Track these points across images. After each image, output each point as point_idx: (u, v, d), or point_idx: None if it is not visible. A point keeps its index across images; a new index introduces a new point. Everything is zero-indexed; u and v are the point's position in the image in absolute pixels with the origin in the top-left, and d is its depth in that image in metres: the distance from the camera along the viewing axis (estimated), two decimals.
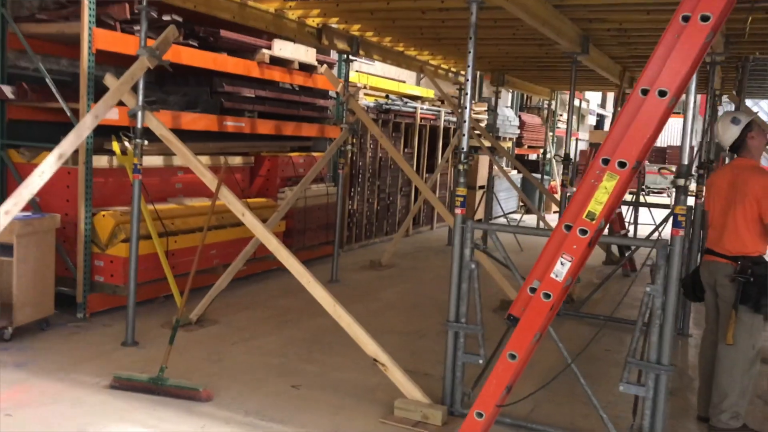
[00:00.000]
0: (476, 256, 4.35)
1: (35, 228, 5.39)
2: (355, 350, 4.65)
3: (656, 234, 7.76)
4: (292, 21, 7.15)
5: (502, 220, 13.91)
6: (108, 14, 6.26)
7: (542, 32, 5.85)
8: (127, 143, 5.96)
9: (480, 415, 3.44)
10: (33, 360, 4.96)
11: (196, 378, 4.71)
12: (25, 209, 5.35)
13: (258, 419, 4.21)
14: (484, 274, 4.98)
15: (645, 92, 2.99)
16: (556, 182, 18.51)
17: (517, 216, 15.05)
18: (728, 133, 4.35)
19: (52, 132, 6.00)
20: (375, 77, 11.86)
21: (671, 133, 35.59)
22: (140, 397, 4.41)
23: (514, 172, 15.95)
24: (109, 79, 5.17)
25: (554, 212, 16.48)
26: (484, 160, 14.86)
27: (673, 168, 29.84)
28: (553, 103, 16.67)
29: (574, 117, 26.09)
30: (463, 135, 4.33)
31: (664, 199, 23.59)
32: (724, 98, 10.89)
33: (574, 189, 8.43)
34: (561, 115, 21.53)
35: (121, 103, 5.33)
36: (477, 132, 13.88)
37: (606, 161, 3.02)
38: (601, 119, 31.83)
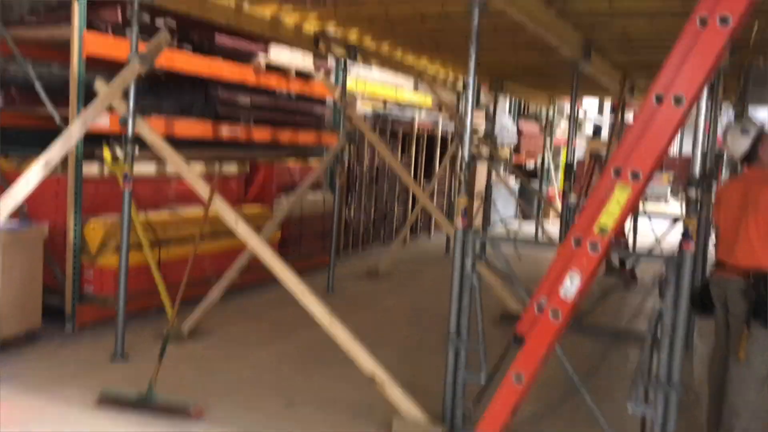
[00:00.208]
0: (477, 268, 4.19)
1: (21, 238, 5.22)
2: (351, 365, 4.48)
3: (659, 245, 7.64)
4: (288, 26, 7.00)
5: (501, 229, 13.74)
6: (100, 18, 6.12)
7: (545, 39, 5.72)
8: (118, 150, 5.79)
9: None
10: (17, 375, 4.78)
11: (186, 394, 4.54)
12: (12, 218, 5.21)
13: None
14: (483, 284, 4.83)
15: (659, 99, 2.85)
16: (554, 189, 18.41)
17: (515, 224, 14.89)
18: (738, 144, 4.20)
19: (43, 139, 5.82)
20: (372, 84, 11.72)
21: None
22: (128, 414, 4.25)
23: (512, 180, 15.83)
24: (99, 85, 5.02)
25: (553, 220, 16.34)
26: (482, 168, 14.72)
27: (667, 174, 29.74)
28: (552, 110, 16.54)
29: (568, 125, 26.04)
30: (465, 143, 4.17)
31: (662, 206, 23.51)
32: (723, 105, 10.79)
33: (575, 196, 8.35)
34: (559, 123, 21.44)
35: (113, 110, 5.18)
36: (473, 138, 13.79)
37: (618, 172, 2.87)
38: (599, 127, 31.73)
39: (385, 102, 11.58)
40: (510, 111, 19.05)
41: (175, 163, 5.05)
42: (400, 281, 8.92)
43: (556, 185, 18.56)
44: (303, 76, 8.48)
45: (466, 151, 4.17)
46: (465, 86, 11.36)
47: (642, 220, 10.73)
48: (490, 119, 14.65)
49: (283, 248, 8.32)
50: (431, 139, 12.66)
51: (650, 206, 15.01)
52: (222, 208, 4.87)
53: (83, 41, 5.62)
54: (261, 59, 7.66)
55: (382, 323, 6.84)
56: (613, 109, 33.95)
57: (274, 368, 5.31)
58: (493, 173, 11.95)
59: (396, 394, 4.26)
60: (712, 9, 2.73)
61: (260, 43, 7.70)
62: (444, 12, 5.99)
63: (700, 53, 2.74)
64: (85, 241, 5.89)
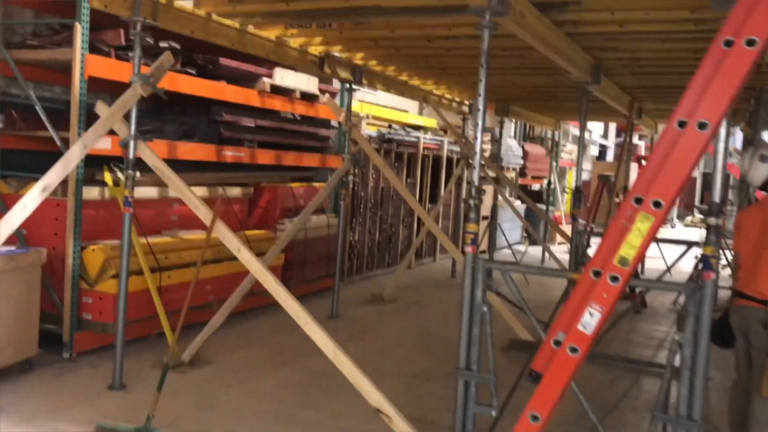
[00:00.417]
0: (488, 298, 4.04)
1: (19, 263, 5.09)
2: (355, 395, 4.32)
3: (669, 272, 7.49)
4: (293, 49, 6.93)
5: (507, 252, 13.59)
6: (102, 40, 6.05)
7: (554, 61, 5.62)
8: (119, 174, 5.70)
9: None
10: (12, 405, 4.63)
11: (186, 427, 4.39)
12: (10, 243, 5.09)
13: None
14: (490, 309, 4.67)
15: (682, 125, 2.72)
16: (561, 213, 18.28)
17: (521, 247, 14.74)
18: (757, 171, 4.08)
19: (44, 162, 5.74)
20: (377, 107, 11.67)
21: None
22: None
23: (518, 202, 15.70)
24: (100, 107, 4.93)
25: (559, 243, 16.18)
26: (487, 191, 14.62)
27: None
28: (557, 133, 16.45)
29: (576, 147, 25.98)
30: (474, 168, 4.05)
31: (667, 231, 23.30)
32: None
33: (582, 221, 8.21)
34: (564, 146, 21.35)
35: (114, 132, 5.08)
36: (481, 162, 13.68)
37: (639, 200, 2.74)
38: (603, 150, 31.68)
39: (390, 124, 11.50)
40: (515, 133, 18.99)
41: (177, 187, 4.93)
42: (405, 306, 8.75)
43: (562, 208, 18.44)
44: (308, 98, 8.40)
45: (476, 176, 4.04)
46: (471, 109, 11.32)
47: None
48: (496, 141, 14.60)
49: (287, 272, 8.19)
50: (436, 160, 12.56)
51: None
52: (224, 234, 4.74)
53: (85, 63, 5.53)
54: (265, 82, 7.58)
55: (387, 350, 6.67)
56: (619, 132, 33.99)
57: (277, 398, 5.15)
58: (499, 196, 11.82)
59: (403, 429, 4.09)
60: (738, 30, 2.61)
61: (265, 65, 7.63)
62: (451, 34, 5.90)
63: (726, 76, 2.62)
64: (85, 266, 5.76)
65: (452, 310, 8.92)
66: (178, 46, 6.40)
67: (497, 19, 4.13)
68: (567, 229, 14.87)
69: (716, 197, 3.42)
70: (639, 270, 9.92)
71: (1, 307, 4.94)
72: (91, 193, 5.90)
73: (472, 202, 4.04)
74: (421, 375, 5.95)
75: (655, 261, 12.21)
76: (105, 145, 5.62)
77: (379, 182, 10.50)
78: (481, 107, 4.05)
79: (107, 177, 5.73)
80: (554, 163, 17.07)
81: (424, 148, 11.78)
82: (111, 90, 6.42)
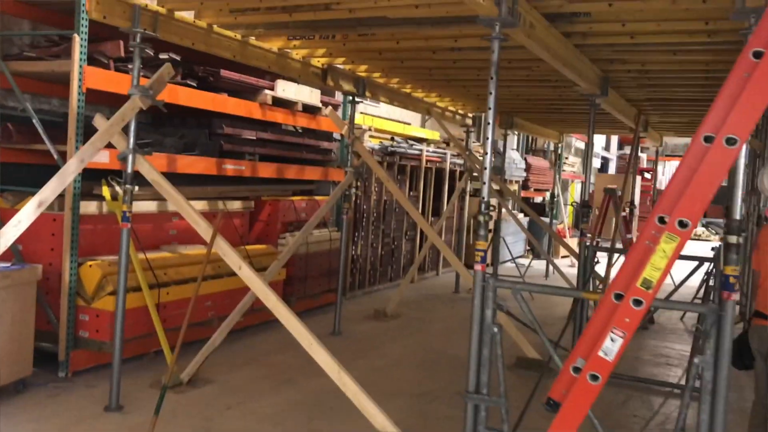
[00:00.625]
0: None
1: (14, 280, 4.94)
2: (359, 416, 4.17)
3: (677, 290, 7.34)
4: (296, 61, 6.82)
5: (510, 266, 13.43)
6: (101, 52, 5.94)
7: (563, 73, 5.51)
8: (118, 188, 5.56)
9: None
10: (5, 428, 4.47)
11: None
12: (5, 259, 4.95)
13: None
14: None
15: (709, 140, 2.59)
16: (564, 226, 18.14)
17: (525, 261, 14.59)
18: None
19: (41, 175, 5.61)
20: (380, 119, 11.56)
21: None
22: None
23: (521, 215, 15.56)
24: (98, 120, 4.81)
25: (562, 257, 16.03)
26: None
27: None
28: (560, 146, 16.33)
29: (579, 160, 25.87)
30: (484, 183, 3.92)
31: None
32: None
33: (588, 235, 8.06)
34: (567, 158, 21.23)
35: (112, 146, 4.96)
36: (477, 174, 13.56)
37: (663, 220, 2.60)
38: (605, 162, 31.58)
39: (392, 137, 11.39)
40: (518, 146, 18.88)
41: (176, 201, 4.80)
42: (409, 322, 8.59)
43: (565, 221, 18.30)
44: (310, 110, 8.28)
45: (486, 191, 3.91)
46: (474, 121, 11.21)
47: None
48: (499, 154, 14.48)
49: (288, 287, 8.04)
50: (439, 173, 12.44)
51: None
52: (225, 251, 4.61)
53: (83, 75, 5.41)
54: (267, 94, 7.47)
55: (391, 369, 6.51)
56: (620, 145, 33.88)
57: (278, 420, 4.99)
58: (503, 209, 11.69)
59: None
60: (767, 42, 2.49)
61: (266, 77, 7.52)
62: (457, 46, 5.79)
63: (755, 89, 2.49)
64: (82, 282, 5.62)
65: (457, 326, 8.82)
66: (178, 58, 6.29)
67: (507, 31, 4.01)
68: (570, 242, 14.73)
69: (736, 214, 3.29)
70: None
71: None
72: (89, 207, 5.77)
73: (482, 217, 3.90)
74: (426, 395, 5.79)
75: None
76: (103, 159, 5.50)
77: (381, 195, 10.37)
78: (491, 120, 3.92)
79: (105, 191, 5.58)
80: (557, 176, 16.94)
81: (426, 161, 11.66)
82: (110, 102, 6.31)
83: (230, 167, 7.20)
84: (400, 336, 7.83)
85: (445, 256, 13.06)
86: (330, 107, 7.96)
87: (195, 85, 6.69)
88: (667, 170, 33.27)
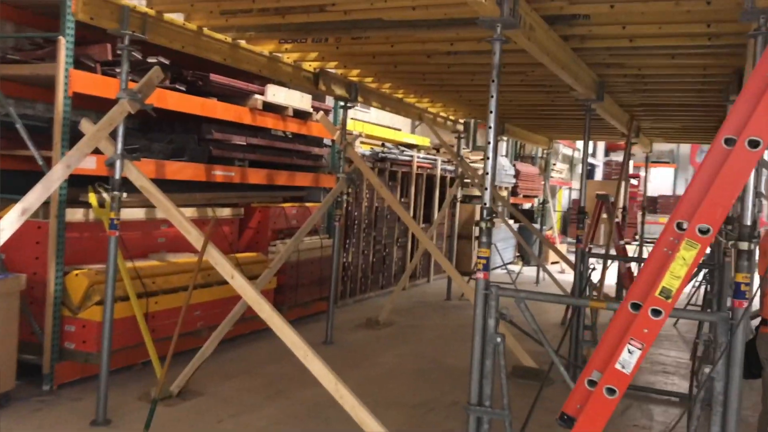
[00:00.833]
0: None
1: None
2: (356, 428, 4.03)
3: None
4: (287, 65, 6.69)
5: (499, 272, 13.34)
6: (88, 55, 5.78)
7: (556, 79, 5.42)
8: (105, 195, 5.40)
9: None
10: None
11: None
12: None
13: None
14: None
15: (730, 142, 2.49)
16: (553, 232, 18.10)
17: (515, 267, 14.51)
18: None
19: (26, 182, 5.43)
20: (370, 125, 11.45)
21: (661, 183, 35.54)
22: None
23: (511, 221, 15.49)
24: (84, 125, 4.65)
25: (552, 263, 15.96)
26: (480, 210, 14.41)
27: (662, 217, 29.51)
28: (549, 152, 16.29)
29: (566, 166, 25.89)
30: (486, 189, 3.81)
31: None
32: None
33: (572, 240, 7.94)
34: (554, 165, 21.22)
35: (99, 151, 4.80)
36: (468, 180, 13.48)
37: (682, 227, 2.49)
38: (591, 168, 31.66)
39: (383, 143, 11.29)
40: (507, 152, 18.85)
41: (166, 209, 4.65)
42: (402, 330, 8.46)
43: (554, 227, 18.26)
44: (300, 115, 8.15)
45: (487, 197, 3.80)
46: (465, 127, 11.12)
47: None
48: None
49: (279, 295, 7.89)
50: (430, 180, 12.34)
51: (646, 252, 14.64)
52: (217, 260, 4.47)
53: (69, 79, 5.25)
54: (257, 99, 7.33)
55: (386, 379, 6.37)
56: (606, 151, 33.99)
57: None
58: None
59: None
60: None
61: (256, 82, 7.39)
62: (453, 50, 5.69)
63: None
64: (67, 292, 5.44)
65: (450, 334, 8.70)
66: (167, 62, 6.14)
67: (508, 33, 3.90)
68: (560, 248, 14.66)
69: (747, 219, 3.19)
70: None
71: None
72: (75, 215, 5.60)
73: (484, 224, 3.78)
74: (423, 406, 5.66)
75: None
76: (90, 165, 5.34)
77: (372, 202, 10.25)
78: (492, 124, 3.82)
79: (92, 198, 5.42)
80: (546, 183, 16.91)
81: (417, 167, 11.56)
82: (95, 107, 6.15)
83: (219, 173, 7.05)
84: (393, 345, 7.69)
85: (438, 263, 12.97)
86: (321, 112, 7.83)
87: (184, 89, 6.55)
88: (652, 177, 33.37)
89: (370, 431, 3.92)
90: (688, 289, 12.42)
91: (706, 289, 8.94)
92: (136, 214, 6.29)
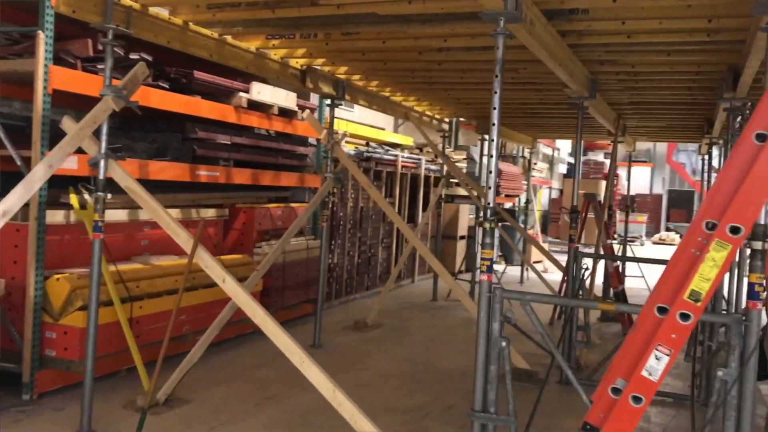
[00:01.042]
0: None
1: None
2: None
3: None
4: (274, 61, 6.53)
5: None
6: (67, 51, 5.57)
7: (548, 76, 5.33)
8: (87, 196, 5.20)
9: None
10: None
11: None
12: None
13: None
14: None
15: (762, 138, 2.39)
16: (534, 231, 18.08)
17: (499, 267, 14.45)
18: None
19: (3, 183, 5.21)
20: (353, 124, 11.31)
21: (638, 181, 35.81)
22: None
23: None
24: (66, 123, 4.45)
25: (535, 262, 15.93)
26: (464, 209, 14.34)
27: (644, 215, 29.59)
28: (531, 151, 16.27)
29: (547, 166, 25.94)
30: (489, 188, 3.69)
31: (637, 248, 23.32)
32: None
33: (552, 239, 7.85)
34: (535, 164, 21.23)
35: (80, 151, 4.60)
36: (454, 180, 13.40)
37: (711, 226, 2.39)
38: (571, 167, 31.77)
39: (368, 142, 11.15)
40: (482, 151, 18.79)
41: (153, 210, 4.47)
42: (390, 333, 8.33)
43: (536, 226, 18.26)
44: (286, 114, 7.98)
45: (491, 196, 3.68)
46: (451, 126, 11.02)
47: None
48: (473, 161, 14.34)
49: (265, 299, 7.71)
50: (414, 179, 12.23)
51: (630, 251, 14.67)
52: (207, 262, 4.30)
53: (49, 75, 5.04)
54: (242, 96, 7.15)
55: (377, 383, 6.23)
56: (585, 151, 34.22)
57: None
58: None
59: None
60: None
61: (239, 79, 7.20)
62: (446, 46, 5.57)
63: None
64: (48, 297, 5.22)
65: (439, 336, 8.58)
66: (150, 59, 5.94)
67: (508, 27, 3.79)
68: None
69: (761, 218, 3.11)
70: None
71: None
72: (56, 216, 5.38)
73: (488, 224, 3.66)
74: (417, 410, 5.53)
75: (633, 280, 12.04)
76: (71, 165, 5.14)
77: (358, 202, 10.10)
78: (495, 121, 3.70)
79: (73, 199, 5.21)
80: (529, 182, 16.90)
81: (402, 167, 11.44)
82: (74, 105, 5.93)
83: (204, 173, 6.86)
84: (383, 347, 7.56)
85: (422, 263, 12.87)
86: (308, 111, 7.68)
87: (167, 87, 6.36)
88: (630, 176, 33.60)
89: None
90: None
91: None
92: (118, 215, 6.08)
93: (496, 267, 14.19)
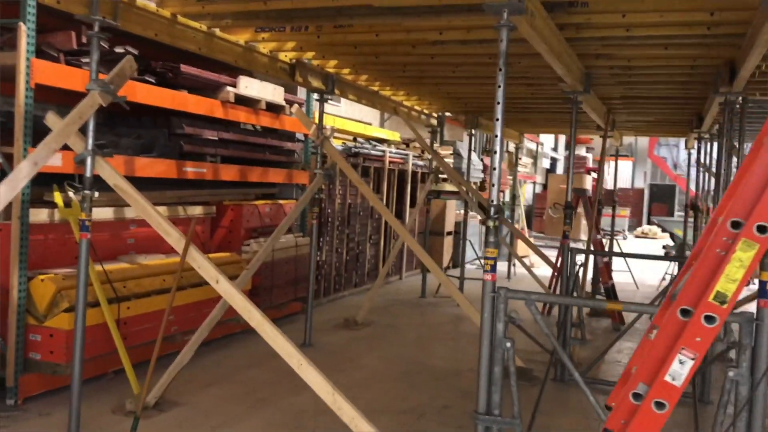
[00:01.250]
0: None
1: None
2: None
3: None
4: (263, 55, 6.37)
5: (470, 267, 13.19)
6: (50, 44, 5.40)
7: (555, 68, 5.24)
8: (71, 194, 5.03)
9: None
10: None
11: None
12: None
13: None
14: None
15: None
16: (521, 226, 18.07)
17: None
18: None
19: None
20: (340, 119, 11.18)
21: (621, 176, 35.99)
22: None
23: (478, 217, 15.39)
24: (51, 119, 4.28)
25: (523, 257, 15.91)
26: (451, 205, 14.25)
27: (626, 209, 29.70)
28: (517, 146, 16.21)
29: (531, 161, 25.95)
30: (493, 185, 3.59)
31: (620, 242, 23.40)
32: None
33: (537, 234, 7.78)
34: (520, 159, 21.22)
35: (64, 147, 4.43)
36: (443, 176, 13.31)
37: (737, 225, 2.30)
38: (554, 162, 31.86)
39: (355, 137, 11.02)
40: (475, 146, 18.74)
41: (143, 209, 4.32)
42: (381, 330, 8.22)
43: (521, 221, 18.24)
44: (273, 109, 7.83)
45: (495, 193, 3.58)
46: (439, 121, 10.92)
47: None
48: (460, 156, 14.25)
49: (254, 297, 7.56)
50: (401, 175, 12.11)
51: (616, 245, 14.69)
52: (200, 262, 4.16)
53: (32, 69, 4.87)
54: (230, 91, 6.99)
55: (370, 383, 6.13)
56: (567, 145, 34.33)
57: None
58: (461, 210, 11.46)
59: None
60: None
61: (224, 73, 7.04)
62: (440, 39, 5.46)
63: None
64: (32, 299, 5.06)
65: (430, 333, 8.49)
66: (135, 52, 5.78)
67: (512, 19, 3.69)
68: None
69: None
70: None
71: None
72: (39, 215, 5.21)
73: (491, 223, 3.57)
74: (412, 411, 5.43)
75: (619, 275, 12.03)
76: (55, 162, 4.97)
77: (346, 198, 9.97)
78: (499, 116, 3.60)
79: (57, 197, 5.04)
80: (516, 177, 16.86)
81: (389, 162, 11.32)
82: (56, 100, 5.74)
83: (191, 170, 6.70)
84: (374, 346, 7.45)
85: (409, 260, 12.78)
86: (296, 105, 7.54)
87: (153, 81, 6.19)
88: (611, 170, 33.80)
89: None
90: (652, 281, 12.49)
91: None
92: (103, 213, 5.91)
93: (480, 262, 14.19)
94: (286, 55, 6.63)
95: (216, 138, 7.19)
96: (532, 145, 26.35)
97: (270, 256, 7.81)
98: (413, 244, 7.22)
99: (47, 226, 5.34)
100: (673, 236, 18.04)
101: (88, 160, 4.36)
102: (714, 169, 9.57)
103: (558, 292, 9.69)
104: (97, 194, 4.52)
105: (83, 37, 5.50)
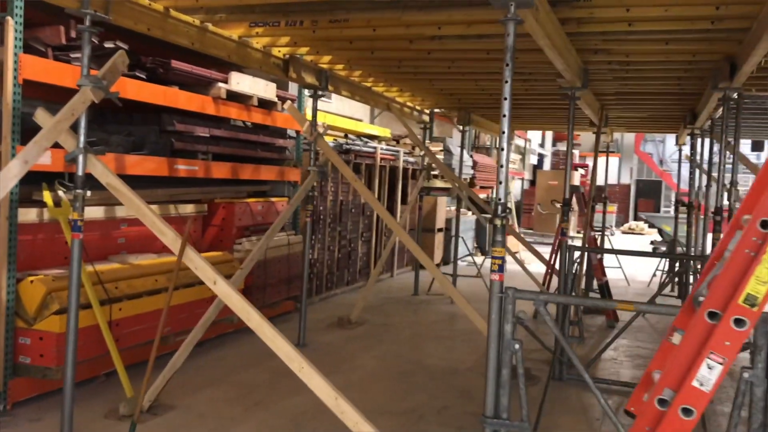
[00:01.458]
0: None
1: None
2: None
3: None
4: (256, 50, 6.26)
5: (461, 263, 13.14)
6: (37, 38, 5.24)
7: (555, 64, 5.17)
8: (61, 193, 4.90)
9: None
10: None
11: None
12: None
13: None
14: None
15: None
16: (511, 222, 18.06)
17: (478, 259, 14.35)
18: None
19: None
20: (331, 115, 11.07)
21: (609, 172, 36.11)
22: None
23: (469, 213, 15.34)
24: (41, 116, 4.15)
25: (513, 253, 15.88)
26: (442, 201, 14.19)
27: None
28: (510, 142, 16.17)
29: (519, 157, 25.96)
30: (500, 183, 3.51)
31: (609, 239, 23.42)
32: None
33: (525, 230, 7.74)
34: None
35: (54, 145, 4.30)
36: (435, 173, 13.24)
37: (766, 224, 2.23)
38: (541, 159, 31.89)
39: (346, 134, 10.91)
40: (465, 143, 18.67)
41: (136, 207, 4.20)
42: (375, 329, 8.13)
43: (513, 217, 18.22)
44: (265, 105, 7.70)
45: (502, 191, 3.50)
46: (431, 117, 10.84)
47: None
48: (449, 152, 14.19)
49: (247, 296, 7.36)
50: (393, 171, 12.02)
51: (608, 242, 14.70)
52: (196, 263, 4.06)
53: (19, 64, 4.72)
54: (221, 87, 6.86)
55: (367, 383, 6.04)
56: (554, 142, 34.35)
57: None
58: (452, 207, 11.40)
59: None
60: None
61: (214, 68, 6.90)
62: (439, 34, 5.37)
63: None
64: (21, 301, 4.91)
65: (425, 332, 8.41)
66: (126, 47, 5.63)
67: (519, 12, 3.60)
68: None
69: None
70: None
71: None
72: (28, 215, 5.06)
73: (498, 221, 3.48)
74: (412, 412, 5.34)
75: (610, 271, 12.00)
76: (45, 160, 4.82)
77: (337, 196, 9.87)
78: (506, 112, 3.52)
79: (47, 197, 4.90)
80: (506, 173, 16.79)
81: (381, 159, 11.22)
82: (44, 97, 5.59)
83: (183, 167, 6.57)
84: (369, 345, 7.36)
85: (400, 257, 12.71)
86: (289, 102, 7.41)
87: (144, 77, 6.05)
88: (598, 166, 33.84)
89: None
90: (643, 276, 12.48)
91: (683, 279, 8.92)
92: (94, 213, 5.76)
93: (473, 259, 14.16)
94: (279, 51, 6.51)
95: (207, 135, 7.05)
96: (521, 142, 26.35)
97: (263, 254, 7.69)
98: (408, 241, 7.12)
99: (36, 225, 5.19)
100: (661, 232, 18.08)
101: (80, 159, 4.23)
102: (707, 166, 9.57)
103: (552, 289, 9.65)
104: (89, 193, 4.40)
105: (72, 32, 5.35)
